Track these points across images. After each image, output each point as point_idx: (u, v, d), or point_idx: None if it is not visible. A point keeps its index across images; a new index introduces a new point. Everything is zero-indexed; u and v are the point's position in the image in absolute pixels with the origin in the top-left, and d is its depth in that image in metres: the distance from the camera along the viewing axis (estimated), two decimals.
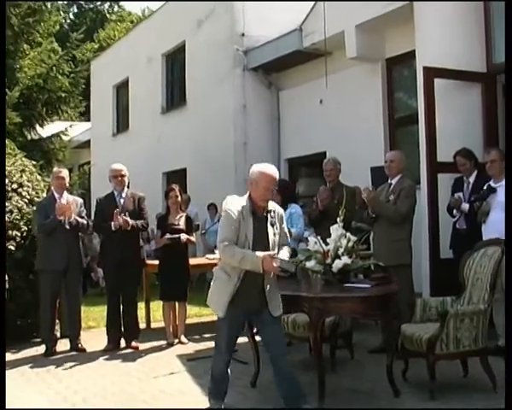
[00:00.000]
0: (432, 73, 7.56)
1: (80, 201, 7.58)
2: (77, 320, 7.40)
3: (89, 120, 21.36)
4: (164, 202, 8.61)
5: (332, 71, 11.20)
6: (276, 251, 4.43)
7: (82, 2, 41.09)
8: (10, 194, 7.74)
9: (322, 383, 4.79)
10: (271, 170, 4.46)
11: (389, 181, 6.81)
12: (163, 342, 7.54)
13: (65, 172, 7.50)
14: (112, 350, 7.20)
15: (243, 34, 13.40)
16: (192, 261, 8.25)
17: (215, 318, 4.69)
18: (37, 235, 7.41)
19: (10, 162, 8.12)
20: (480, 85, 7.85)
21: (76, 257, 7.31)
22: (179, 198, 7.74)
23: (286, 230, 4.71)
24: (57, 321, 7.46)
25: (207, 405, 4.77)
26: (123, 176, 7.49)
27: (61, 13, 32.67)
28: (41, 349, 7.23)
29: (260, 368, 5.47)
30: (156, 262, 7.99)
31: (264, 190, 4.41)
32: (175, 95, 16.26)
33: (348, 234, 5.17)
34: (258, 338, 5.16)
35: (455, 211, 7.00)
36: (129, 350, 7.25)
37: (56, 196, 7.32)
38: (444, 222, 7.36)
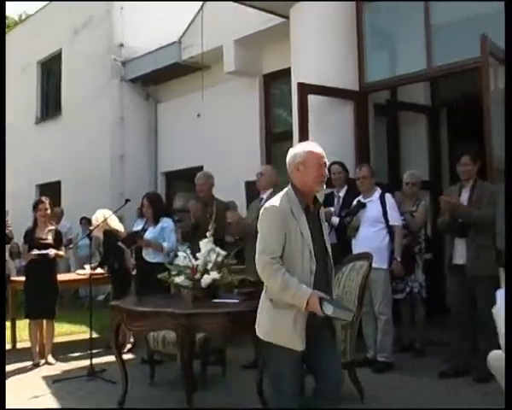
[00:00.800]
0: (306, 90, 7.68)
1: None
2: None
3: None
4: None
5: (210, 85, 11.21)
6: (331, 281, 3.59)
7: None
8: None
9: (190, 400, 4.65)
10: (317, 147, 3.61)
11: (260, 195, 6.80)
12: (29, 363, 7.09)
13: None
14: None
15: (121, 45, 13.15)
16: (63, 277, 7.87)
17: (86, 336, 4.41)
18: None
19: None
20: (352, 103, 8.06)
21: None
22: (48, 211, 7.36)
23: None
24: None
25: None
26: None
27: None
28: None
29: (128, 388, 5.26)
30: (23, 278, 7.54)
31: (317, 169, 3.52)
32: (50, 104, 15.65)
33: (218, 249, 5.08)
34: (126, 356, 4.94)
35: None
36: None
37: None
38: None
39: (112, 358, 5.09)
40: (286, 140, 9.92)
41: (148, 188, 11.70)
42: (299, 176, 3.54)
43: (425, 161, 9.25)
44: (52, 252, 7.12)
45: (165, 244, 6.84)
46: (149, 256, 6.96)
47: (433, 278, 6.89)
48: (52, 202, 7.54)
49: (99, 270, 7.96)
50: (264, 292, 3.50)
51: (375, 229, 6.32)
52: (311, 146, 3.61)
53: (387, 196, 6.43)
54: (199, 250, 5.14)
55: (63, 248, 7.66)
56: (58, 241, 7.33)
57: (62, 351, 7.51)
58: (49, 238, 7.23)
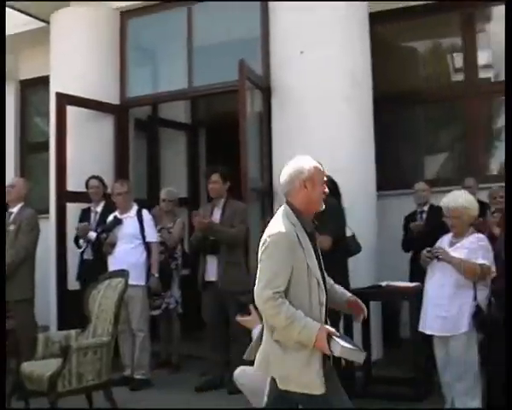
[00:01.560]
0: (64, 100, 7.37)
1: None
2: None
3: None
4: None
5: None
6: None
7: None
8: None
9: None
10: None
11: (9, 209, 6.35)
12: None
13: None
14: None
15: None
16: None
17: None
18: None
19: None
20: (113, 117, 7.91)
21: None
22: None
23: None
24: None
25: None
26: None
27: None
28: None
29: None
30: None
31: (322, 186, 3.11)
32: None
33: None
34: None
35: (81, 241, 6.87)
36: None
37: None
38: (73, 252, 7.15)
39: None
40: (43, 150, 9.43)
41: None
42: (305, 194, 3.06)
43: (183, 178, 9.42)
44: None
45: None
46: None
47: (190, 294, 7.01)
48: None
49: None
50: (266, 333, 3.05)
51: (131, 245, 6.23)
52: (313, 161, 3.13)
53: (144, 212, 6.39)
54: None
55: None
56: None
57: None
58: None
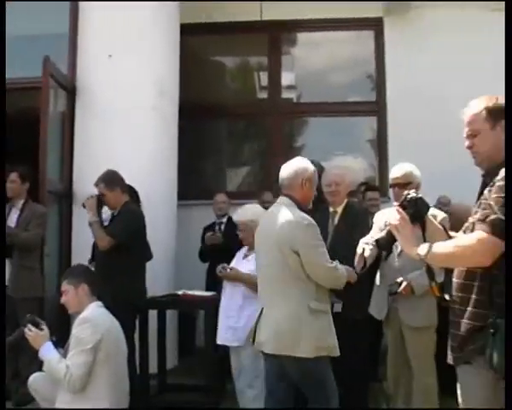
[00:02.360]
0: None
1: None
2: None
3: None
4: None
5: None
6: None
7: None
8: None
9: None
10: None
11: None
12: None
13: None
14: None
15: None
16: None
17: None
18: None
19: None
20: None
21: None
22: None
23: None
24: None
25: None
26: None
27: None
28: None
29: None
30: None
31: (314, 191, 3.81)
32: None
33: None
34: None
35: None
36: None
37: None
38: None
39: None
40: None
41: None
42: (303, 191, 3.70)
43: None
44: None
45: None
46: None
47: None
48: None
49: None
50: (298, 307, 3.53)
51: None
52: (309, 163, 3.80)
53: None
54: None
55: None
56: None
57: None
58: None
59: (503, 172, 2.43)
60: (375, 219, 4.56)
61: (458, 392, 2.58)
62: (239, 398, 4.77)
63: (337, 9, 7.65)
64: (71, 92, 6.51)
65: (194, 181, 7.90)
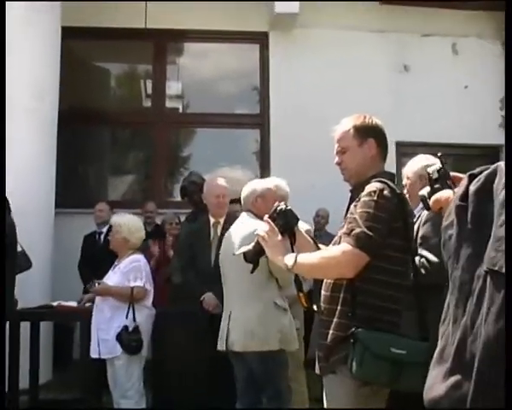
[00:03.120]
0: None
1: None
2: None
3: None
4: None
5: None
6: None
7: None
8: None
9: None
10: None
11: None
12: None
13: None
14: None
15: None
16: None
17: None
18: None
19: None
20: None
21: None
22: None
23: None
24: None
25: None
26: None
27: None
28: None
29: None
30: None
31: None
32: None
33: None
34: None
35: None
36: None
37: None
38: None
39: None
40: None
41: None
42: (260, 206, 4.00)
43: None
44: None
45: None
46: None
47: None
48: None
49: None
50: (266, 305, 3.81)
51: None
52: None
53: None
54: None
55: None
56: None
57: None
58: None
59: (368, 188, 2.53)
60: None
61: (324, 401, 2.64)
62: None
63: (224, 21, 7.74)
64: None
65: (75, 189, 7.68)
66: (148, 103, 8.49)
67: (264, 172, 7.76)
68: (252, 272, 2.78)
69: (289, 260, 2.56)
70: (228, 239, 4.10)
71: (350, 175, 2.72)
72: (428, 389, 1.47)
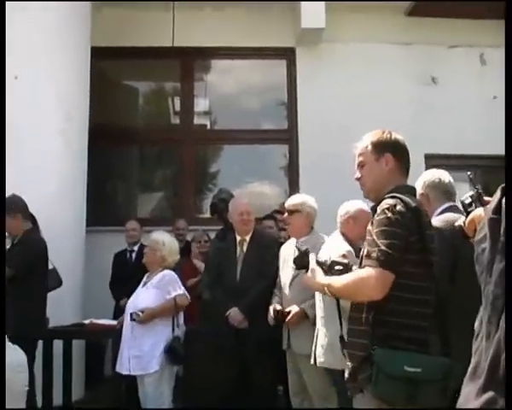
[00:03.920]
0: None
1: None
2: None
3: None
4: None
5: None
6: None
7: None
8: None
9: None
10: None
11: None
12: None
13: None
14: None
15: None
16: None
17: None
18: None
19: None
20: None
21: None
22: None
23: None
24: None
25: None
26: None
27: None
28: None
29: None
30: None
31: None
32: None
33: None
34: None
35: None
36: None
37: None
38: None
39: None
40: None
41: None
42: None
43: None
44: None
45: None
46: None
47: None
48: None
49: None
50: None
51: None
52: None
53: None
54: None
55: None
56: None
57: None
58: None
59: (381, 206, 2.54)
60: (281, 256, 4.73)
61: None
62: None
63: (250, 38, 7.80)
64: None
65: (105, 207, 7.77)
66: (175, 120, 8.56)
67: (293, 187, 7.76)
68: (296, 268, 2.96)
69: (323, 280, 2.67)
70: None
71: (368, 190, 2.75)
72: (462, 406, 1.45)
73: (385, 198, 2.56)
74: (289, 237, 5.98)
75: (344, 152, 6.83)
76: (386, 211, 2.49)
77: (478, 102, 7.75)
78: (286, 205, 4.71)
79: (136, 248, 6.52)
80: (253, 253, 4.93)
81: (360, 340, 2.54)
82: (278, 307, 4.38)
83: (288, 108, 8.15)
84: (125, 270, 6.35)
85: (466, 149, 7.33)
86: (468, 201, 2.14)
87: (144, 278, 4.88)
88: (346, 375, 2.64)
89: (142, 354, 4.53)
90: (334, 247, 3.89)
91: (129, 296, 5.02)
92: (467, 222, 2.09)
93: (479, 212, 2.01)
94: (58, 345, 5.30)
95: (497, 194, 1.45)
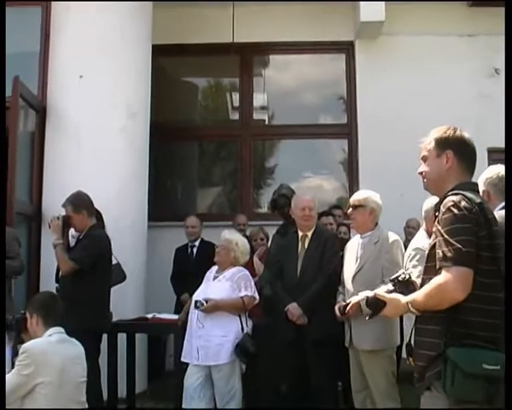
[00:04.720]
0: None
1: None
2: None
3: None
4: None
5: None
6: None
7: None
8: None
9: None
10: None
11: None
12: None
13: None
14: None
15: None
16: None
17: None
18: None
19: None
20: None
21: None
22: None
23: None
24: None
25: None
26: None
27: None
28: None
29: None
30: None
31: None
32: None
33: None
34: None
35: None
36: None
37: None
38: None
39: None
40: None
41: None
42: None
43: None
44: None
45: None
46: None
47: None
48: None
49: None
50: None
51: None
52: None
53: None
54: None
55: None
56: None
57: None
58: None
59: (445, 204, 2.51)
60: (345, 251, 4.73)
61: None
62: None
63: (309, 32, 7.77)
64: (41, 113, 6.46)
65: (165, 202, 7.88)
66: (234, 116, 8.60)
67: (353, 181, 7.70)
68: (369, 318, 2.82)
69: (404, 300, 2.62)
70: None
71: (428, 185, 2.76)
72: None
73: (447, 196, 2.53)
74: (344, 234, 6.02)
75: (403, 146, 6.82)
76: (452, 208, 2.46)
77: None
78: (350, 200, 4.70)
79: (197, 243, 6.59)
80: (315, 249, 4.93)
81: (430, 339, 2.50)
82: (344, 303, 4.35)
83: (347, 103, 8.07)
84: (186, 265, 6.44)
85: None
86: None
87: (212, 273, 4.94)
88: (415, 375, 2.60)
89: (211, 344, 4.59)
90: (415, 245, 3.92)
91: (190, 291, 5.08)
92: None
93: None
94: (122, 339, 5.43)
95: None
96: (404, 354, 4.89)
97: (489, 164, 6.50)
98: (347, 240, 5.33)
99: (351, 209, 4.64)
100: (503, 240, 2.52)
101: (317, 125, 8.30)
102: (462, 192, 2.51)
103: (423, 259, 2.74)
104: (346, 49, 8.05)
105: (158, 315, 5.47)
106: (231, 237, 4.92)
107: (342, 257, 4.82)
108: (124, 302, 5.53)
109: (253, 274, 5.82)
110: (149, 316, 5.49)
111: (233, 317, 4.69)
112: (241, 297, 4.71)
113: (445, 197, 2.56)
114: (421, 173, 2.77)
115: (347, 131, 8.00)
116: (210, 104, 9.04)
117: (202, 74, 8.75)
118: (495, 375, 2.34)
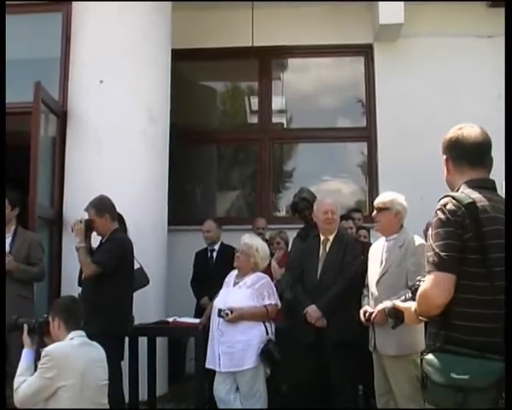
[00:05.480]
0: None
1: None
2: None
3: None
4: None
5: None
6: None
7: None
8: None
9: None
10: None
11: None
12: None
13: None
14: None
15: None
16: None
17: None
18: None
19: None
20: None
21: None
22: None
23: None
24: None
25: None
26: None
27: None
28: None
29: None
30: None
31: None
32: None
33: None
34: None
35: None
36: None
37: None
38: None
39: None
40: None
41: None
42: None
43: None
44: None
45: None
46: None
47: None
48: None
49: None
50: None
51: None
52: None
53: None
54: None
55: None
56: None
57: None
58: None
59: (436, 207, 2.50)
60: (370, 254, 4.68)
61: None
62: None
63: (328, 35, 7.76)
64: (62, 117, 6.51)
65: (184, 206, 7.91)
66: (253, 120, 8.62)
67: (372, 185, 7.68)
68: (393, 327, 2.85)
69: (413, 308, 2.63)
70: None
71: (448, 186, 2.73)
72: None
73: (440, 199, 2.52)
74: (364, 237, 6.01)
75: (423, 148, 6.80)
76: (438, 212, 2.46)
77: None
78: (375, 202, 4.66)
79: (216, 247, 6.59)
80: (336, 253, 4.92)
81: (428, 342, 2.55)
82: (370, 310, 4.33)
83: (366, 106, 8.04)
84: (206, 269, 6.45)
85: None
86: None
87: (232, 278, 4.96)
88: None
89: (234, 350, 4.62)
90: None
91: (209, 295, 5.09)
92: None
93: None
94: (143, 342, 5.45)
95: None
96: None
97: None
98: (367, 243, 5.30)
99: (375, 212, 4.59)
100: (498, 240, 2.42)
101: (336, 129, 8.29)
102: (451, 194, 2.50)
103: None
104: (365, 51, 8.03)
105: (178, 319, 5.49)
106: (251, 243, 4.92)
107: (363, 261, 4.82)
108: (145, 306, 5.55)
109: (271, 278, 5.84)
110: (170, 320, 5.51)
111: (256, 322, 4.70)
112: (265, 306, 4.73)
113: None
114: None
115: (366, 135, 7.98)
116: (228, 108, 9.07)
117: (221, 78, 8.78)
118: (462, 385, 2.31)
